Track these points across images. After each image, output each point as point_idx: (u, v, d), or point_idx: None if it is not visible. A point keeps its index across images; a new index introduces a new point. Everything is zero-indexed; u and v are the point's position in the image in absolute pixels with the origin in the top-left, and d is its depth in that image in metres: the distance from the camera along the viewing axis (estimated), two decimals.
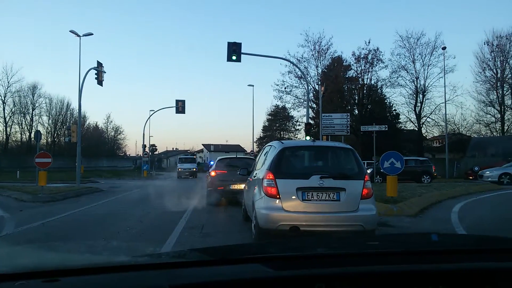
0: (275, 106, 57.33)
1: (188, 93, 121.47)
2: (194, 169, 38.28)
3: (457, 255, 1.24)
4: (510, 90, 40.15)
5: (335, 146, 6.99)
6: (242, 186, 9.76)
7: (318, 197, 5.75)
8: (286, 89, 43.48)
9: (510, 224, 8.55)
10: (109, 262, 1.29)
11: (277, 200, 5.79)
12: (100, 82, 22.03)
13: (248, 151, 53.84)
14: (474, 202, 12.98)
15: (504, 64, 40.20)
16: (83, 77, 21.07)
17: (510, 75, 40.10)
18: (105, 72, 22.42)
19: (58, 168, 41.84)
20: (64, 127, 58.08)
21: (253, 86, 47.84)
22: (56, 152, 56.38)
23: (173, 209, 10.84)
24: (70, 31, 22.52)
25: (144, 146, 43.20)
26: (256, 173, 7.04)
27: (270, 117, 61.23)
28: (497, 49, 40.36)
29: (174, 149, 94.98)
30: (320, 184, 5.74)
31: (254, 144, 51.78)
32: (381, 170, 13.56)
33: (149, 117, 43.79)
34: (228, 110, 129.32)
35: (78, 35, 22.49)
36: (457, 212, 10.35)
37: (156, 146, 49.93)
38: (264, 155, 7.13)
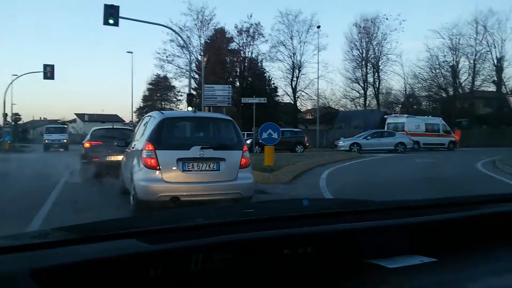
0: (156, 75, 55.27)
1: (59, 58, 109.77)
2: (65, 140, 34.60)
3: (323, 218, 1.33)
4: (372, 69, 44.91)
5: (215, 117, 7.10)
6: (119, 158, 9.33)
7: (198, 167, 5.82)
8: (168, 58, 42.34)
9: (367, 188, 9.72)
10: None
11: (157, 171, 5.71)
12: None
13: (127, 121, 51.30)
14: (340, 169, 14.42)
15: (369, 45, 44.67)
16: None
17: (373, 55, 44.78)
18: None
19: None
20: None
21: (132, 53, 45.39)
22: None
23: (42, 183, 9.90)
24: None
25: (5, 115, 38.19)
26: (134, 144, 6.80)
27: (150, 86, 58.88)
28: (363, 31, 44.56)
29: (43, 119, 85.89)
30: (200, 155, 5.80)
31: (134, 114, 49.62)
32: (260, 141, 14.20)
33: (11, 83, 38.55)
34: (105, 77, 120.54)
35: None
36: (325, 178, 11.39)
37: (20, 115, 44.70)
38: (144, 125, 6.90)
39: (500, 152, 19.47)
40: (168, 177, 5.72)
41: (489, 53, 41.60)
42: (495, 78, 42.06)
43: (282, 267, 1.15)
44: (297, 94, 44.91)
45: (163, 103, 58.54)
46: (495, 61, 41.54)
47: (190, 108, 18.51)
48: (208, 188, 5.83)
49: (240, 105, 34.69)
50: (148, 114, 7.26)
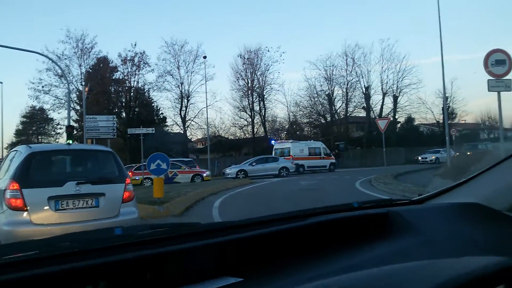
0: (31, 107, 50.59)
1: None
2: None
3: (128, 247, 1.18)
4: (258, 98, 46.81)
5: (93, 149, 6.57)
6: None
7: (74, 205, 5.26)
8: (44, 88, 39.04)
9: (259, 212, 9.85)
10: None
11: (24, 213, 5.01)
12: None
13: None
14: (232, 196, 14.48)
15: (253, 75, 46.63)
16: None
17: (257, 85, 46.78)
18: None
19: None
20: None
21: (1, 83, 40.91)
22: None
23: None
24: None
25: None
26: None
27: (24, 119, 53.55)
28: (247, 62, 46.47)
29: None
30: (76, 191, 5.25)
31: (5, 150, 44.34)
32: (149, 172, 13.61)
33: None
34: None
35: None
36: (218, 207, 11.30)
37: None
38: (9, 161, 6.08)
39: (375, 172, 21.55)
40: (38, 219, 5.05)
41: (358, 82, 46.58)
42: (365, 105, 47.03)
43: None
44: (187, 124, 44.69)
45: (40, 137, 53.52)
46: (364, 89, 46.57)
47: (70, 141, 17.17)
48: (86, 228, 5.28)
49: (127, 136, 33.25)
50: (14, 149, 6.45)
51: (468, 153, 29.39)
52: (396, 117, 47.32)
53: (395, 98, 46.94)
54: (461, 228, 1.39)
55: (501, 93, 9.75)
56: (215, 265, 1.21)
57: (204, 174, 24.36)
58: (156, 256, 1.13)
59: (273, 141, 34.74)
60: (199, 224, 1.47)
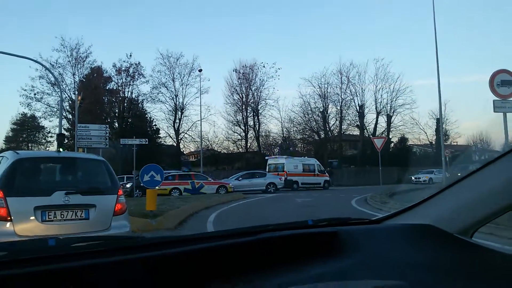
0: (22, 114, 49.97)
1: None
2: None
3: (51, 260, 1.13)
4: (252, 112, 46.70)
5: (84, 158, 6.19)
6: None
7: (62, 216, 4.87)
8: (36, 95, 38.59)
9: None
10: None
11: (8, 223, 4.62)
12: None
13: None
14: (226, 211, 14.08)
15: (248, 90, 46.61)
16: None
17: (252, 100, 46.70)
18: None
19: None
20: None
21: None
22: None
23: None
24: None
25: None
26: None
27: (15, 126, 52.86)
28: (242, 77, 46.47)
29: None
30: (65, 201, 4.87)
31: None
32: (142, 184, 13.21)
33: None
34: None
35: None
36: (212, 222, 10.92)
37: None
38: None
39: (370, 190, 21.25)
40: (23, 230, 4.67)
41: (352, 100, 46.70)
42: (358, 123, 47.07)
43: None
44: (180, 136, 44.32)
45: (30, 145, 52.77)
46: (358, 108, 46.68)
47: (62, 150, 16.73)
48: None
49: (119, 146, 32.77)
50: (0, 155, 6.07)
51: (459, 174, 29.31)
52: (390, 136, 47.40)
53: (389, 118, 47.09)
54: (406, 250, 1.38)
55: (507, 114, 9.60)
56: (151, 281, 1.16)
57: (228, 186, 24.25)
58: (81, 269, 1.09)
59: (266, 157, 34.42)
60: (142, 238, 1.43)
